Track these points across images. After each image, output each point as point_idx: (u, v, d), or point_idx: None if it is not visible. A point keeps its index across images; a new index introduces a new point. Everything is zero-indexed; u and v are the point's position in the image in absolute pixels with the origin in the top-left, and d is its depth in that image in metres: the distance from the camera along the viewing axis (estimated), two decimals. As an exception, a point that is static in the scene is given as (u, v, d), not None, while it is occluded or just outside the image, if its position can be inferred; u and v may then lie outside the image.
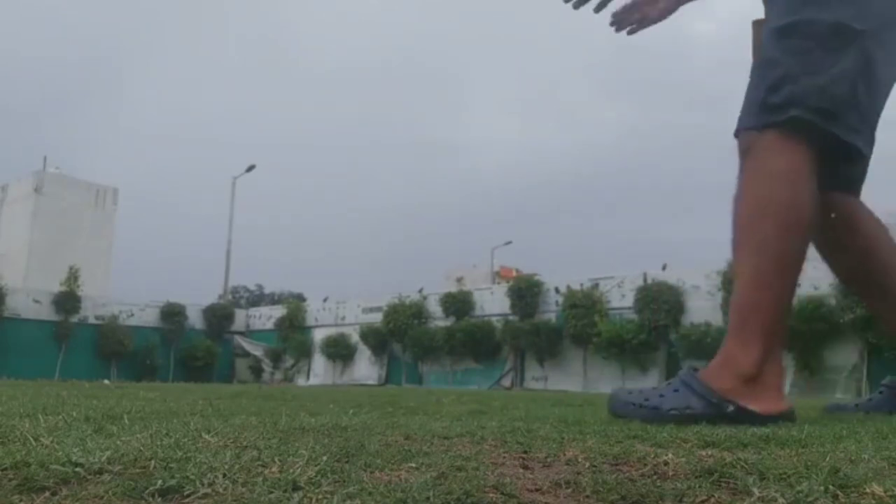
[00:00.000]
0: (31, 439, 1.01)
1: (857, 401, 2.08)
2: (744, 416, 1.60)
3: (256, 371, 21.20)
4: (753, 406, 1.62)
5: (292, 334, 20.75)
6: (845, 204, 2.01)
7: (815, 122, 1.67)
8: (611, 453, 1.01)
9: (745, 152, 1.78)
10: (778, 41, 1.74)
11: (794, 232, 1.69)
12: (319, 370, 19.95)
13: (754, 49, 1.91)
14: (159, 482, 0.71)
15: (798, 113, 1.66)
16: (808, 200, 1.70)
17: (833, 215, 1.97)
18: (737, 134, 1.81)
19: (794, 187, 1.69)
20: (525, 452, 1.04)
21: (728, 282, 13.06)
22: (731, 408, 1.61)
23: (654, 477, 0.85)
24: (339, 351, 19.41)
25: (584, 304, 15.01)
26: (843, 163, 1.83)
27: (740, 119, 1.81)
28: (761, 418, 1.59)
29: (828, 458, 0.96)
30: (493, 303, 17.55)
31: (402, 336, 17.96)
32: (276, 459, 0.86)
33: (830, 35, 1.67)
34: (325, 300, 21.83)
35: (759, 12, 1.94)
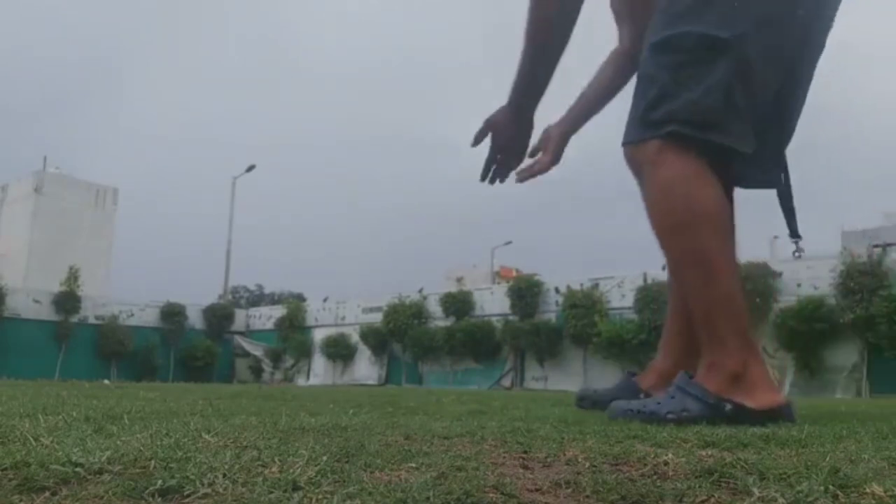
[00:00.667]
0: (31, 439, 1.01)
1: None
2: (742, 414, 1.62)
3: (256, 371, 21.21)
4: (749, 402, 1.64)
5: (292, 334, 20.76)
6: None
7: (692, 134, 1.74)
8: (611, 453, 1.01)
9: (637, 168, 1.89)
10: (654, 57, 1.81)
11: (712, 232, 1.73)
12: (319, 370, 19.95)
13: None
14: (159, 482, 0.71)
15: (675, 128, 1.74)
16: (712, 200, 1.75)
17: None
18: (623, 147, 1.90)
19: (693, 193, 1.75)
20: (525, 452, 1.04)
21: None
22: (728, 406, 1.64)
23: (654, 477, 0.85)
24: (339, 351, 19.42)
25: (584, 304, 15.02)
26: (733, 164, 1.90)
27: (625, 133, 1.89)
28: (758, 413, 1.62)
29: (828, 458, 0.96)
30: (493, 303, 17.56)
31: (402, 336, 17.97)
32: (276, 459, 0.86)
33: (700, 47, 1.74)
34: (325, 300, 21.84)
35: None
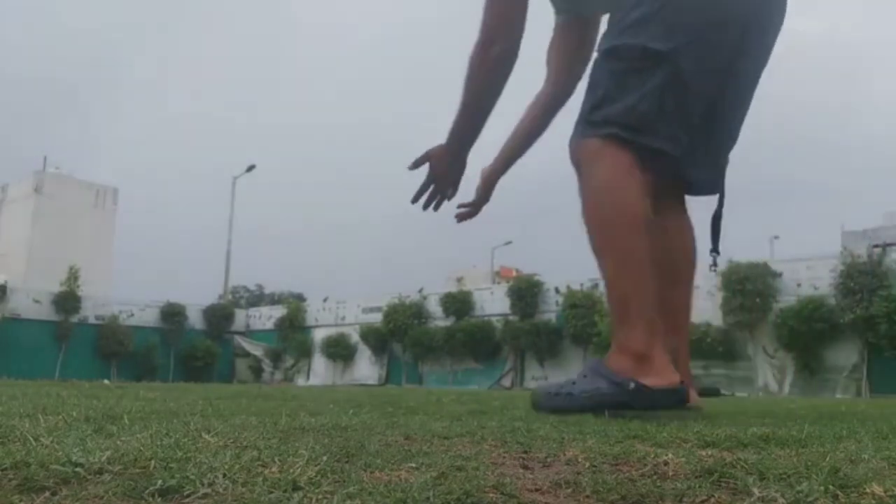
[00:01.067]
0: (31, 439, 1.01)
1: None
2: (643, 392, 1.80)
3: (256, 371, 21.22)
4: (648, 381, 1.80)
5: (292, 334, 20.77)
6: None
7: (626, 137, 1.92)
8: (611, 453, 1.01)
9: (576, 164, 2.05)
10: (601, 64, 2.02)
11: (629, 229, 1.92)
12: (319, 370, 19.96)
13: None
14: (159, 482, 0.71)
15: (613, 130, 1.93)
16: (633, 200, 1.93)
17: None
18: (569, 142, 2.08)
19: (617, 193, 1.94)
20: (525, 452, 1.04)
21: (728, 281, 13.08)
22: (632, 385, 1.80)
23: (654, 477, 0.85)
24: (339, 351, 19.43)
25: (584, 304, 15.03)
26: (686, 163, 2.07)
27: (572, 132, 2.08)
28: (656, 392, 1.80)
29: (828, 458, 0.96)
30: (493, 303, 17.56)
31: (402, 336, 17.97)
32: (276, 459, 0.86)
33: (641, 58, 1.92)
34: (325, 300, 21.85)
35: None
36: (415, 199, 2.39)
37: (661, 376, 1.83)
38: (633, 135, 1.93)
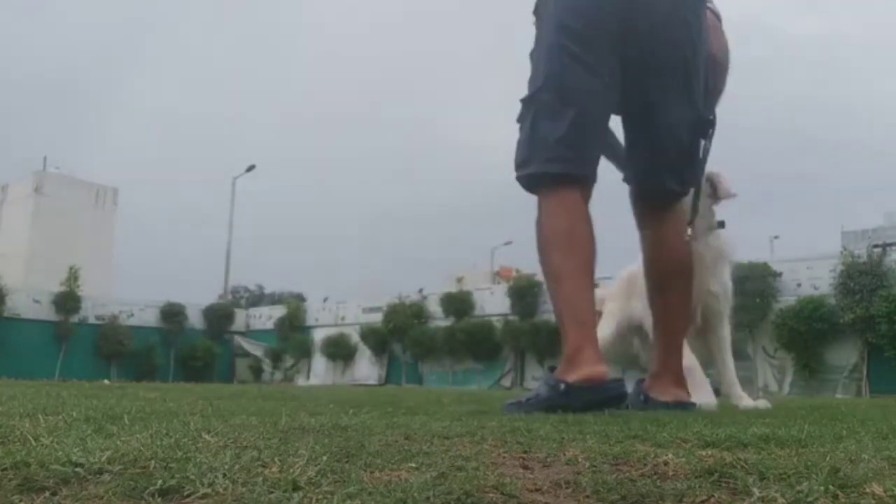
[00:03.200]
0: (31, 439, 1.01)
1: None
2: (569, 389, 1.95)
3: (256, 371, 21.20)
4: (569, 378, 1.97)
5: (292, 334, 20.75)
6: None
7: (518, 175, 2.20)
8: (611, 453, 1.01)
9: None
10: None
11: (555, 252, 2.15)
12: (319, 370, 19.95)
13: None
14: (159, 482, 0.71)
15: (517, 173, 2.21)
16: (556, 227, 2.15)
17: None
18: None
19: (543, 223, 2.17)
20: (525, 452, 1.04)
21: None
22: (562, 385, 1.97)
23: (654, 477, 0.85)
24: (339, 351, 19.41)
25: (584, 304, 14.98)
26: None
27: None
28: (577, 386, 1.94)
29: (828, 458, 0.96)
30: (493, 303, 17.54)
31: (402, 336, 17.96)
32: (276, 459, 0.86)
33: (525, 106, 2.22)
34: (325, 300, 21.87)
35: None
36: None
37: (581, 371, 1.97)
38: (518, 168, 2.20)
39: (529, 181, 2.19)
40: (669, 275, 2.41)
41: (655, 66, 2.21)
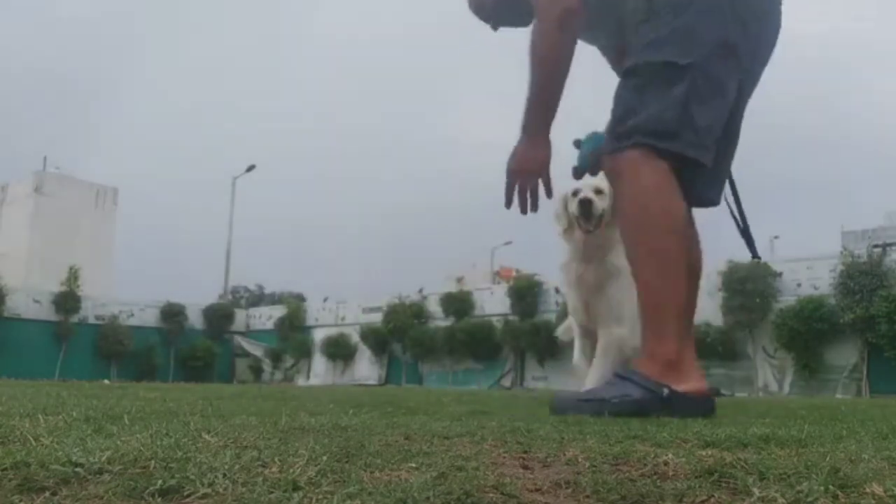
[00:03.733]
0: (31, 439, 1.01)
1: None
2: (675, 398, 1.84)
3: (256, 371, 21.20)
4: (681, 387, 1.86)
5: (292, 334, 20.75)
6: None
7: (653, 144, 2.00)
8: (611, 453, 1.01)
9: (612, 175, 2.15)
10: (623, 80, 2.13)
11: (672, 235, 1.98)
12: (319, 370, 19.95)
13: None
14: (159, 482, 0.71)
15: (639, 138, 2.01)
16: (676, 205, 2.01)
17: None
18: (602, 156, 2.17)
19: (661, 197, 2.00)
20: (525, 452, 1.04)
21: (728, 282, 13.07)
22: (665, 391, 1.85)
23: (654, 477, 0.85)
24: (339, 351, 19.41)
25: (584, 304, 14.97)
26: (696, 177, 2.13)
27: (603, 147, 2.17)
28: (688, 398, 1.85)
29: (828, 458, 0.96)
30: (493, 303, 17.54)
31: (402, 336, 17.96)
32: (276, 459, 0.86)
33: (660, 71, 2.03)
34: (325, 300, 21.87)
35: None
36: (509, 205, 2.31)
37: (691, 382, 1.88)
38: (659, 141, 2.00)
39: (660, 153, 2.00)
40: (698, 271, 2.39)
41: (748, 94, 2.23)
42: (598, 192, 3.05)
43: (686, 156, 2.01)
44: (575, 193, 3.12)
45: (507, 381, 16.42)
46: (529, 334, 15.76)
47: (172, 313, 20.50)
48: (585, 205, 2.99)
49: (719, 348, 13.04)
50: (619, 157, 2.06)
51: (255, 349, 21.64)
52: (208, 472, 0.75)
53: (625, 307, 2.95)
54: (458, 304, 17.73)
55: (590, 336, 3.17)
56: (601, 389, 1.98)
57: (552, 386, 14.83)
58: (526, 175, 2.27)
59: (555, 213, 3.22)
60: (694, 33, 2.04)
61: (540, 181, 2.28)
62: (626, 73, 2.12)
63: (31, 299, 18.38)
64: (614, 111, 2.11)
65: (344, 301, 21.19)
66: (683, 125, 2.00)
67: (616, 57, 2.46)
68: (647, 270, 2.00)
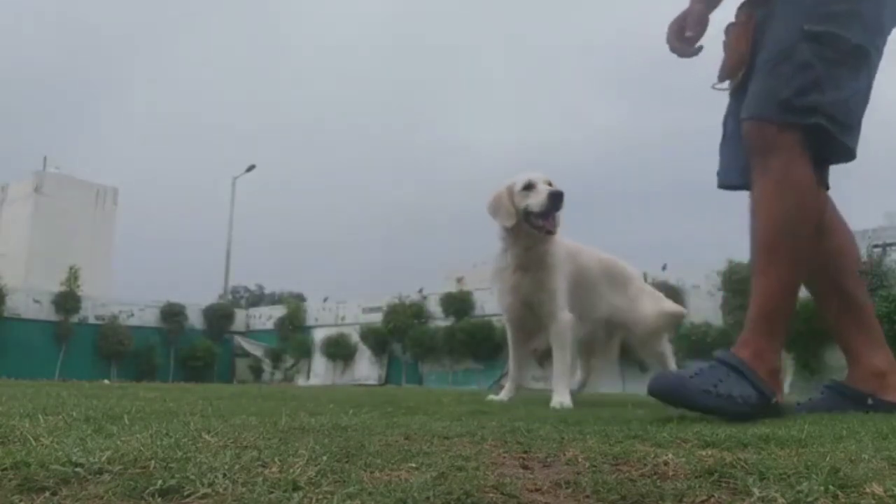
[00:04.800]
0: (31, 439, 1.01)
1: (799, 401, 2.27)
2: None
3: (256, 371, 21.19)
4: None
5: (292, 334, 20.74)
6: (826, 203, 2.13)
7: (833, 131, 1.82)
8: (611, 453, 1.01)
9: (762, 147, 1.86)
10: (810, 45, 1.83)
11: (812, 242, 1.87)
12: (319, 370, 19.94)
13: (728, 50, 2.02)
14: (159, 482, 0.71)
15: (820, 121, 1.81)
16: (817, 210, 1.89)
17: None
18: (748, 120, 1.88)
19: (814, 198, 1.87)
20: (525, 452, 1.04)
21: (728, 281, 13.07)
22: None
23: (654, 477, 0.85)
24: (339, 351, 19.40)
25: (584, 304, 14.97)
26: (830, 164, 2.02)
27: (754, 106, 1.87)
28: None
29: (828, 458, 0.96)
30: (493, 303, 17.47)
31: (402, 336, 17.96)
32: (276, 459, 0.86)
33: (854, 54, 1.84)
34: (325, 300, 21.83)
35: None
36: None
37: (781, 394, 1.84)
38: (839, 131, 1.84)
39: (828, 143, 1.85)
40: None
41: None
42: (550, 185, 2.80)
43: (848, 147, 1.88)
44: (529, 186, 2.82)
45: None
46: (529, 334, 15.74)
47: (172, 313, 20.49)
48: (557, 199, 2.75)
49: (719, 348, 13.03)
50: (786, 132, 1.83)
51: (255, 349, 21.62)
52: (208, 472, 0.75)
53: (562, 295, 2.89)
54: (458, 304, 17.72)
55: (526, 330, 3.09)
56: (721, 381, 1.72)
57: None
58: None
59: (493, 206, 2.92)
60: (877, 21, 1.88)
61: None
62: (815, 37, 1.83)
63: (31, 299, 18.37)
64: (795, 77, 1.83)
65: (344, 301, 21.18)
66: (858, 119, 1.87)
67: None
68: (781, 275, 1.84)
